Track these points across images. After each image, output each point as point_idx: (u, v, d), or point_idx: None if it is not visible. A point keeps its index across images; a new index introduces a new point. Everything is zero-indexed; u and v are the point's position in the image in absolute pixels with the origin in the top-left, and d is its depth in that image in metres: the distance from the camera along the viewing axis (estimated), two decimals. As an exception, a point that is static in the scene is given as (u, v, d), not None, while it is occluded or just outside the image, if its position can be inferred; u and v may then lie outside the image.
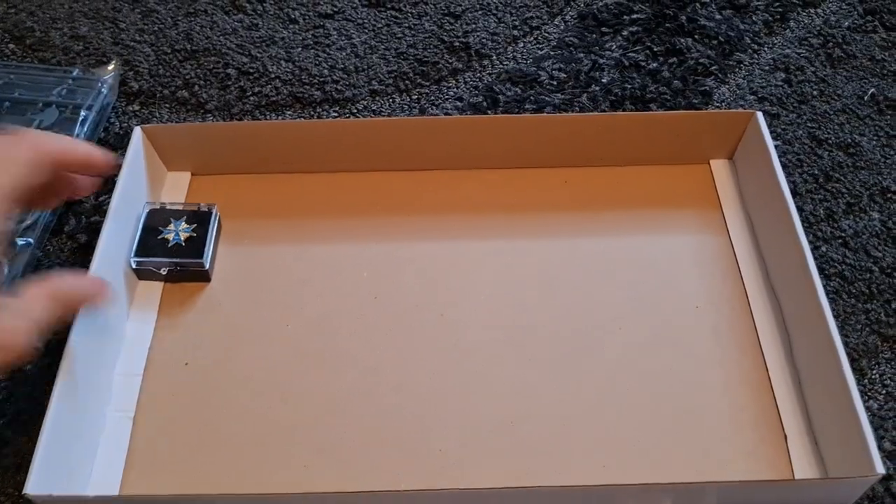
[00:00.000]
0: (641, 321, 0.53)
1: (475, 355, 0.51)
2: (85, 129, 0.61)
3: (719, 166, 0.60)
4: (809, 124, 0.62)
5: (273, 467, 0.47)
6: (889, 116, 0.63)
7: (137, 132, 0.56)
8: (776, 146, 0.58)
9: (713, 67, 0.66)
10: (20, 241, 0.55)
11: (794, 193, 0.57)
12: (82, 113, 0.62)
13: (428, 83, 0.65)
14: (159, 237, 0.54)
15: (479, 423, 0.49)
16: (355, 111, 0.64)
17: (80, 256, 0.56)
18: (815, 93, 0.64)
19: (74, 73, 0.65)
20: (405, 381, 0.50)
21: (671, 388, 0.50)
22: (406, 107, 0.64)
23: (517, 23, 0.69)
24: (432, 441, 0.48)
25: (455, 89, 0.65)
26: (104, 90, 0.64)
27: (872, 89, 0.64)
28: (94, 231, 0.55)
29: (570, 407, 0.49)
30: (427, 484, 0.46)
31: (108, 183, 0.55)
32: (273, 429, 0.48)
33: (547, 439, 0.48)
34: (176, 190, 0.59)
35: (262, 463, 0.47)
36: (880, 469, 0.41)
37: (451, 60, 0.67)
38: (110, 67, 0.66)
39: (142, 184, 0.56)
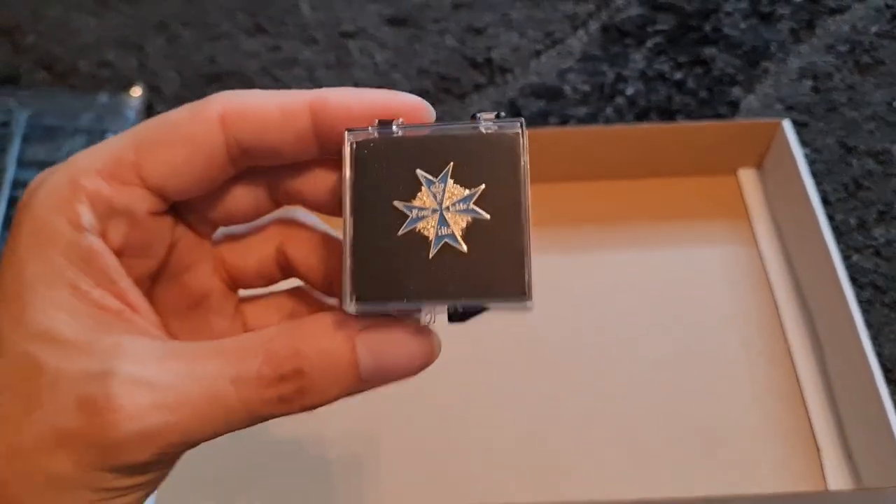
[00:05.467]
0: (670, 334, 0.52)
1: (498, 369, 0.51)
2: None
3: (747, 176, 0.59)
4: (838, 132, 0.61)
5: (283, 482, 0.47)
6: (920, 122, 0.62)
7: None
8: (805, 155, 0.57)
9: (739, 77, 0.65)
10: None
11: (824, 202, 0.57)
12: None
13: (451, 99, 0.65)
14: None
15: (502, 437, 0.48)
16: (379, 129, 0.64)
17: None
18: (843, 100, 0.63)
19: (102, 100, 0.66)
20: (424, 393, 0.50)
21: (701, 400, 0.49)
22: (429, 124, 0.64)
23: (540, 36, 0.69)
24: (453, 456, 0.48)
25: (478, 104, 0.65)
26: (131, 115, 0.64)
27: (903, 95, 0.63)
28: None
29: (598, 420, 0.49)
30: (448, 500, 0.46)
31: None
32: (283, 442, 0.48)
33: (573, 453, 0.48)
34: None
35: (268, 481, 0.47)
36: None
37: (473, 76, 0.67)
38: (137, 93, 0.66)
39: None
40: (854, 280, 0.53)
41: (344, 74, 0.68)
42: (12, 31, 0.72)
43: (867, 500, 0.43)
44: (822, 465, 0.46)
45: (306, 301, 0.31)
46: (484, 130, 0.25)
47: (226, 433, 0.25)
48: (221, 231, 0.31)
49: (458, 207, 0.25)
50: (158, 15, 0.73)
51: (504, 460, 0.48)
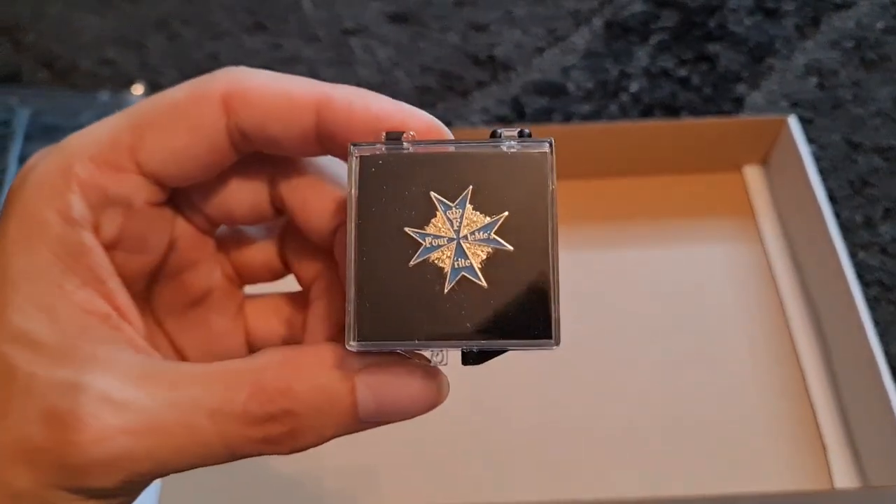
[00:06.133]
0: (675, 332, 0.52)
1: (505, 369, 0.50)
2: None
3: (752, 173, 0.59)
4: (844, 129, 0.61)
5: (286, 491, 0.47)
6: (927, 118, 0.61)
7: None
8: (811, 152, 0.57)
9: (744, 73, 0.64)
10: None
11: (830, 199, 0.56)
12: (111, 136, 0.62)
13: (454, 96, 0.65)
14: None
15: (510, 437, 0.48)
16: (381, 127, 0.64)
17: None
18: (849, 97, 0.63)
19: (103, 98, 0.65)
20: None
21: (707, 399, 0.49)
22: (432, 121, 0.63)
23: (543, 33, 0.69)
24: (461, 456, 0.47)
25: (481, 102, 0.65)
26: (132, 113, 0.64)
27: (909, 91, 0.62)
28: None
29: (602, 417, 0.48)
30: (448, 498, 0.46)
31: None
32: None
33: (577, 452, 0.47)
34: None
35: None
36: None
37: (476, 73, 0.66)
38: (138, 91, 0.66)
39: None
40: (860, 277, 0.53)
41: (346, 72, 0.67)
42: (13, 30, 0.72)
43: (873, 499, 0.42)
44: (828, 463, 0.46)
45: (304, 308, 0.30)
46: (506, 150, 0.23)
47: (203, 466, 0.23)
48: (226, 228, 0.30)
49: (477, 237, 0.22)
50: (159, 13, 0.73)
51: (506, 459, 0.47)
